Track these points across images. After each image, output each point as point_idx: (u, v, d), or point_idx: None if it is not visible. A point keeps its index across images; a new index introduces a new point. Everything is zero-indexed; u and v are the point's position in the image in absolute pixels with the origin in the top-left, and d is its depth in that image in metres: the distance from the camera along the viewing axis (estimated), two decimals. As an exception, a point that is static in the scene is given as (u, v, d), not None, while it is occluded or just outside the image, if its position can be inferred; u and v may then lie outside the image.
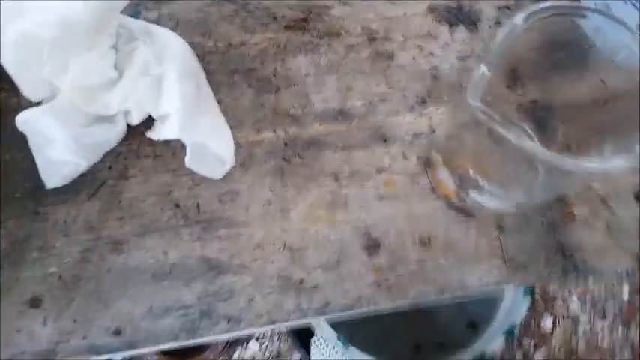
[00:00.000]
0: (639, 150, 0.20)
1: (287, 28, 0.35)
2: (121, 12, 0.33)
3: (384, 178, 0.32)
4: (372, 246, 0.31)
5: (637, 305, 0.81)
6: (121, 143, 0.32)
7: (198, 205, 0.31)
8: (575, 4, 0.22)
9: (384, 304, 0.29)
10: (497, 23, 0.36)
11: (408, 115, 0.34)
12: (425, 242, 0.31)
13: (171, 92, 0.30)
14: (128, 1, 0.31)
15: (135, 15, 0.34)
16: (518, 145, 0.21)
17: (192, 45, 0.33)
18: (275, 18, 0.35)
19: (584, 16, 0.23)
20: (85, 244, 0.29)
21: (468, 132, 0.29)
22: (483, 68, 0.20)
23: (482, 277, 0.30)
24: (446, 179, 0.30)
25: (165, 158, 0.31)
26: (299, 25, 0.35)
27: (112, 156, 0.31)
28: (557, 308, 0.81)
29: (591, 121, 0.29)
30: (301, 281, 0.29)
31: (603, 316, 0.80)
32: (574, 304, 0.81)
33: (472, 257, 0.31)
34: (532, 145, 0.21)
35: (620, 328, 0.79)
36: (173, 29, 0.34)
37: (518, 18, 0.22)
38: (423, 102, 0.34)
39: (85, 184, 0.31)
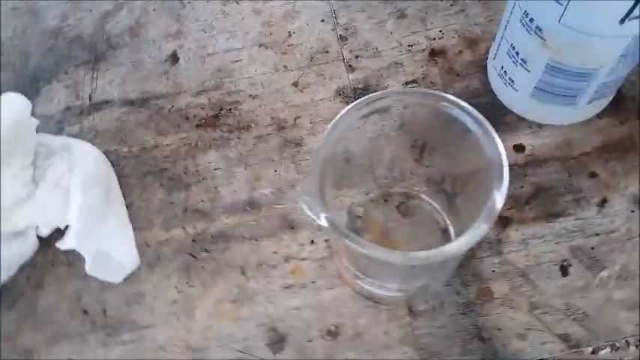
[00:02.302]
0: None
1: (198, 126, 0.36)
2: (45, 130, 0.36)
3: (291, 267, 0.31)
4: (277, 342, 0.30)
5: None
6: (38, 253, 0.33)
7: (104, 311, 0.31)
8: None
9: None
10: (407, 98, 0.36)
11: (315, 199, 0.33)
12: (332, 333, 0.29)
13: (73, 203, 0.31)
14: (37, 122, 0.33)
15: (58, 131, 0.36)
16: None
17: (108, 153, 0.35)
18: (187, 118, 0.37)
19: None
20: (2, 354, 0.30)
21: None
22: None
23: (388, 369, 0.28)
24: (344, 268, 0.29)
25: (77, 264, 0.32)
26: (210, 122, 0.36)
27: (30, 267, 0.33)
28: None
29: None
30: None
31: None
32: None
33: (382, 346, 0.29)
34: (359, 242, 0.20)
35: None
36: (92, 140, 0.36)
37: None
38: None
39: (4, 296, 0.32)
